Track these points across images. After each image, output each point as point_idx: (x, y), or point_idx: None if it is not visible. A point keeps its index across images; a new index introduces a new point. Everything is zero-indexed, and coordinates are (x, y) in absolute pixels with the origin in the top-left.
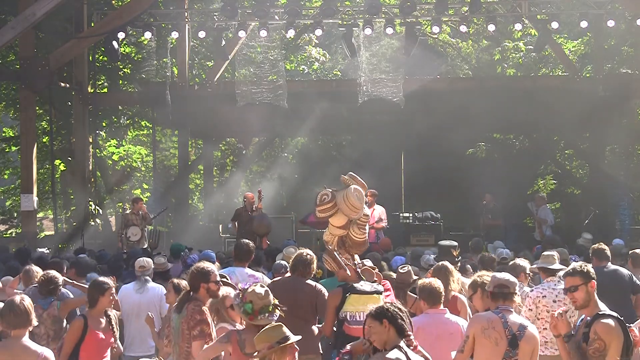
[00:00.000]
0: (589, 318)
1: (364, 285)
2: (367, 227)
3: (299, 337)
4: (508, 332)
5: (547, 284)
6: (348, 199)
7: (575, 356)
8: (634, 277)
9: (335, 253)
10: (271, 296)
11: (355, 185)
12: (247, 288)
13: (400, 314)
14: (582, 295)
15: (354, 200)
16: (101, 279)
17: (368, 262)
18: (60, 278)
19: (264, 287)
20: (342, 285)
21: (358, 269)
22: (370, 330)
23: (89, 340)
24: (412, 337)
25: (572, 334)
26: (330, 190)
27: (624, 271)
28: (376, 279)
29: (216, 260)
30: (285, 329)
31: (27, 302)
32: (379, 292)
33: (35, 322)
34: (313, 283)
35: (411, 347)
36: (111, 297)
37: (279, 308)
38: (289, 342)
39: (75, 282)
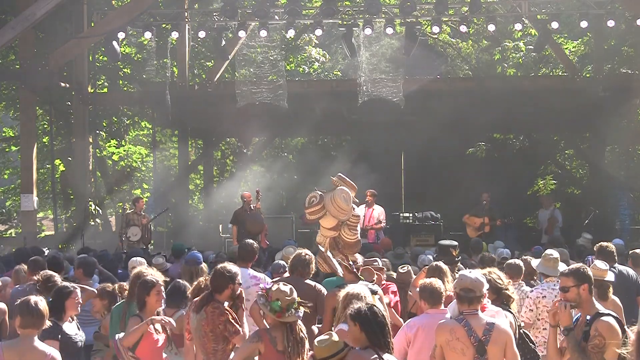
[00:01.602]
0: (588, 317)
1: None
2: (358, 228)
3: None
4: (474, 340)
5: (547, 284)
6: (335, 200)
7: (574, 353)
8: (639, 278)
9: (328, 254)
10: (295, 294)
11: (343, 186)
12: (271, 287)
13: (376, 319)
14: (572, 296)
15: (340, 202)
16: (149, 277)
17: (377, 262)
18: (59, 277)
19: (287, 285)
20: (340, 285)
21: (354, 269)
22: (349, 331)
23: (145, 343)
24: (386, 345)
25: (572, 327)
26: (319, 192)
27: (630, 272)
28: (374, 279)
29: (202, 261)
30: (336, 338)
31: (44, 304)
32: (373, 292)
33: (47, 325)
34: (312, 283)
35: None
36: (158, 296)
37: (304, 305)
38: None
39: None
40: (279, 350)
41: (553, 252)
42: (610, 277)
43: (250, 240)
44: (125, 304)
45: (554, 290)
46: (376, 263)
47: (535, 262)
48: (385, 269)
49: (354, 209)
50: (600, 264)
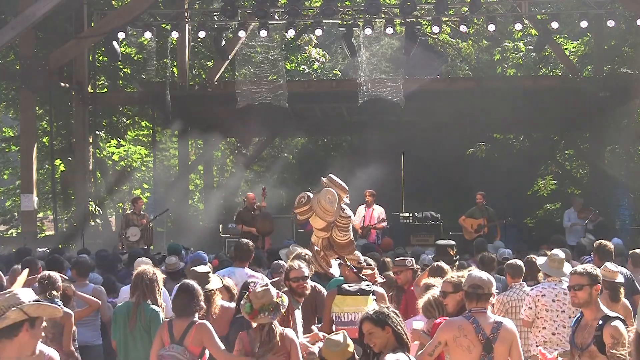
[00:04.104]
0: (600, 322)
1: (352, 286)
2: (350, 228)
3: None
4: (481, 337)
5: (547, 283)
6: (319, 202)
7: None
8: (633, 277)
9: (321, 254)
10: (272, 295)
11: (330, 187)
12: (255, 289)
13: (399, 319)
14: (584, 295)
15: (324, 203)
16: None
17: (410, 262)
18: (59, 278)
19: (265, 286)
20: (338, 285)
21: (353, 268)
22: (372, 336)
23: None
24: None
25: None
26: (308, 193)
27: (624, 270)
28: (377, 280)
29: (208, 261)
30: (351, 347)
31: None
32: (364, 293)
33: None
34: (312, 283)
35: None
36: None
37: (282, 307)
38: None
39: (82, 295)
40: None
41: (559, 253)
42: (620, 279)
43: (245, 240)
44: (135, 304)
45: (554, 289)
46: (410, 263)
47: (540, 261)
48: (414, 268)
49: (343, 210)
50: (611, 265)
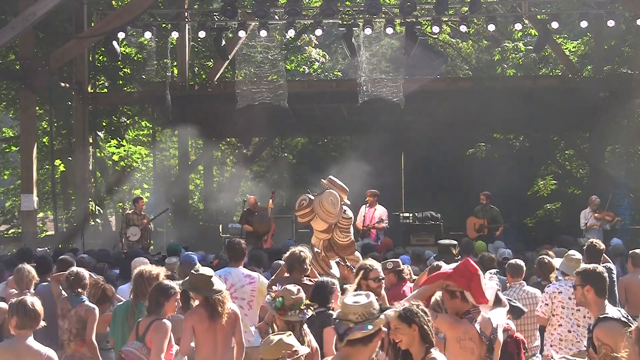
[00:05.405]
0: (591, 324)
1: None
2: (351, 230)
3: (307, 350)
4: (485, 339)
5: (564, 281)
6: (322, 204)
7: None
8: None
9: (319, 256)
10: (303, 295)
11: (332, 189)
12: (281, 289)
13: (427, 317)
14: (577, 295)
15: (327, 205)
16: (166, 282)
17: (391, 264)
18: (87, 275)
19: (297, 286)
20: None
21: (353, 268)
22: (397, 331)
23: (168, 351)
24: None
25: None
26: (309, 195)
27: (611, 266)
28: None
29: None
30: (292, 340)
31: (39, 304)
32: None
33: (42, 324)
34: (311, 283)
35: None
36: (175, 304)
37: (311, 308)
38: (296, 356)
39: (120, 297)
40: None
41: (575, 253)
42: None
43: (237, 239)
44: (132, 304)
45: (571, 287)
46: (390, 266)
47: (557, 262)
48: (396, 271)
49: (345, 211)
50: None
